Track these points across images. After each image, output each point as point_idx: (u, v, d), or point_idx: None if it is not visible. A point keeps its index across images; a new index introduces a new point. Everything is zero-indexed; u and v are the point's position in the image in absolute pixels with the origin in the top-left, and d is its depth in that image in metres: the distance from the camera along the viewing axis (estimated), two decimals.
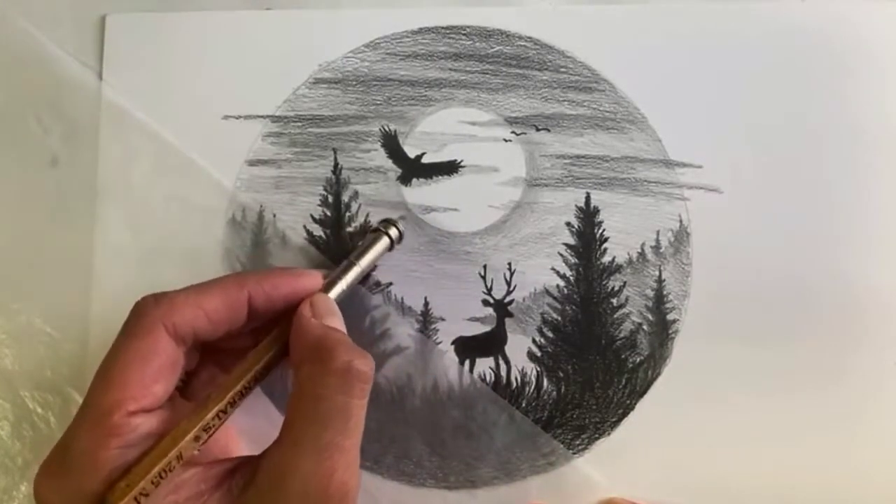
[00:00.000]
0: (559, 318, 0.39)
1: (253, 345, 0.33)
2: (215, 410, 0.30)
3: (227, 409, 0.31)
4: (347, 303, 0.37)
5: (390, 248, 0.38)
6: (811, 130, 0.40)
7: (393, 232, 0.37)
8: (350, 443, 0.29)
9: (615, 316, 0.39)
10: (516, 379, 0.39)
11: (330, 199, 0.41)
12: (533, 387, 0.39)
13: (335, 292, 0.35)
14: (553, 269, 0.40)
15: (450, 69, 0.41)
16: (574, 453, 0.38)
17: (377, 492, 0.38)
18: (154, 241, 0.40)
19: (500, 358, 0.39)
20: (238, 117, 0.41)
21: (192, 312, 0.31)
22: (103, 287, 0.40)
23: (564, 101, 0.41)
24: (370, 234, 0.38)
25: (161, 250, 0.40)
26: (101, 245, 0.41)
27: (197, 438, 0.30)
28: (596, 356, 0.39)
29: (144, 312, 0.31)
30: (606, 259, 0.39)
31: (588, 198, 0.40)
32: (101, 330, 0.40)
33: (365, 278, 0.37)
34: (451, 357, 0.39)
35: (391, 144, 0.41)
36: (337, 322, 0.33)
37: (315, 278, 0.34)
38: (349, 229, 0.40)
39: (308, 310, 0.33)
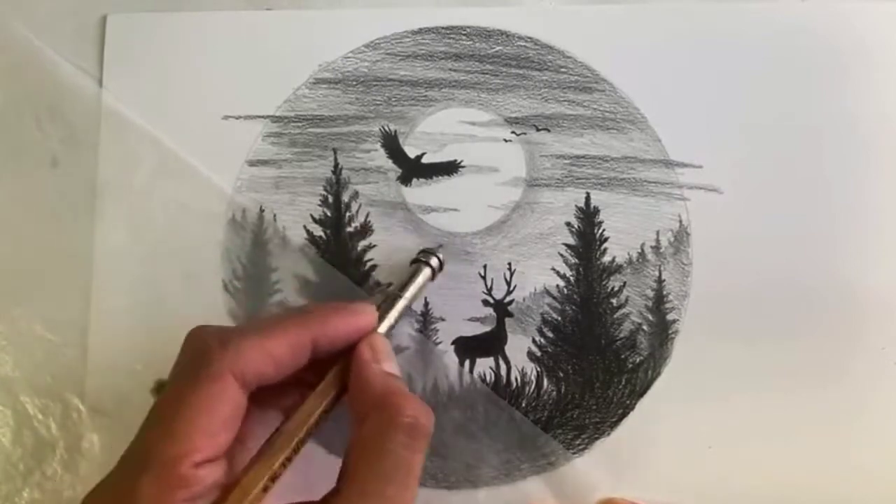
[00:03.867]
0: (559, 319, 0.39)
1: (293, 380, 0.32)
2: (282, 458, 0.30)
3: (292, 456, 0.30)
4: None
5: (432, 277, 0.37)
6: (811, 130, 0.40)
7: (434, 262, 0.37)
8: (410, 495, 0.29)
9: (615, 316, 0.39)
10: (516, 379, 0.39)
11: (330, 199, 0.41)
12: (533, 387, 0.39)
13: (384, 327, 0.34)
14: (553, 269, 0.40)
15: (450, 69, 0.41)
16: (574, 453, 0.38)
17: None
18: (154, 243, 0.40)
19: (500, 358, 0.39)
20: (238, 117, 0.41)
21: (259, 359, 0.30)
22: (103, 291, 0.40)
23: (564, 101, 0.41)
24: (411, 265, 0.37)
25: (161, 252, 0.40)
26: (101, 248, 0.41)
27: (265, 489, 0.29)
28: (596, 356, 0.39)
29: (211, 358, 0.29)
30: (606, 259, 0.40)
31: (588, 198, 0.40)
32: (101, 334, 0.40)
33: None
34: (451, 357, 0.39)
35: (391, 144, 0.41)
36: (394, 366, 0.33)
37: (370, 315, 0.33)
38: (349, 229, 0.40)
39: (368, 353, 0.32)
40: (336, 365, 0.32)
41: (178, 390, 0.29)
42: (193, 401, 0.29)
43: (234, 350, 0.30)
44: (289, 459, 0.30)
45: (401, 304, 0.35)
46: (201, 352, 0.30)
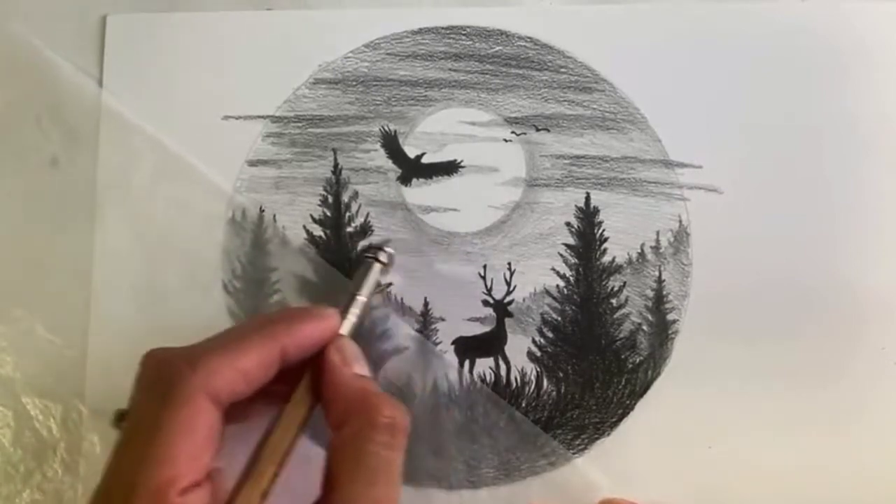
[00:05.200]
0: (559, 319, 0.39)
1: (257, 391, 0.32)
2: (270, 475, 0.30)
3: (279, 470, 0.30)
4: None
5: (385, 272, 0.37)
6: (811, 130, 0.40)
7: (383, 256, 0.37)
8: (396, 494, 0.30)
9: (615, 316, 0.39)
10: (516, 379, 0.39)
11: (330, 199, 0.41)
12: (533, 387, 0.39)
13: (347, 328, 0.34)
14: (553, 269, 0.40)
15: (450, 69, 0.41)
16: (574, 453, 0.38)
17: None
18: (154, 243, 0.40)
19: (499, 358, 0.39)
20: (238, 117, 0.41)
21: (230, 376, 0.29)
22: (103, 291, 0.40)
23: (564, 101, 0.41)
24: (362, 264, 0.37)
25: (161, 252, 0.40)
26: (101, 249, 0.41)
27: None
28: (596, 356, 0.39)
29: (180, 378, 0.28)
30: (606, 259, 0.40)
31: (588, 198, 0.40)
32: (101, 335, 0.40)
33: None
34: (451, 357, 0.39)
35: (391, 144, 0.41)
36: (364, 367, 0.33)
37: (334, 319, 0.33)
38: (349, 229, 0.40)
39: (338, 358, 0.32)
40: (305, 373, 0.32)
41: (150, 415, 0.28)
42: (170, 424, 0.28)
43: (204, 369, 0.29)
44: (276, 475, 0.30)
45: (360, 303, 0.35)
46: (169, 374, 0.29)
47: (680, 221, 0.39)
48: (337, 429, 0.31)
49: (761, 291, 0.39)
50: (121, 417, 0.31)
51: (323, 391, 0.32)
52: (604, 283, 0.39)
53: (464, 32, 0.41)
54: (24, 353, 0.40)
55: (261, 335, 0.31)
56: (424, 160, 0.41)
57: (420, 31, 0.41)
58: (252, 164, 0.41)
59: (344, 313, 0.34)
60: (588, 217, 0.40)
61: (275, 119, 0.41)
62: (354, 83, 0.41)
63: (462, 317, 0.39)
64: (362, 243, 0.40)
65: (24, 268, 0.41)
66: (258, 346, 0.30)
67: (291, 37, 0.42)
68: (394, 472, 0.30)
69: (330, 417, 0.31)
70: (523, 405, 0.39)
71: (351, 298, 0.35)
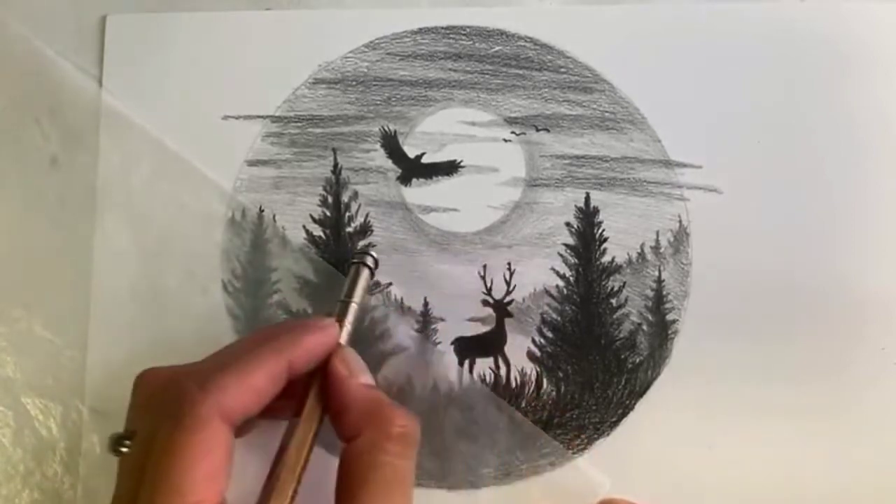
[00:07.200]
0: (559, 319, 0.39)
1: None
2: (292, 491, 0.30)
3: (298, 487, 0.30)
4: None
5: (371, 277, 0.37)
6: (811, 130, 0.40)
7: (370, 261, 0.37)
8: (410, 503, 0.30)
9: (615, 316, 0.39)
10: (516, 379, 0.39)
11: (330, 199, 0.41)
12: (532, 387, 0.39)
13: (345, 337, 0.34)
14: (553, 269, 0.40)
15: (450, 69, 0.41)
16: (574, 453, 0.38)
17: None
18: (154, 243, 0.40)
19: (499, 358, 0.39)
20: (238, 117, 0.41)
21: (242, 395, 0.29)
22: (103, 291, 0.40)
23: (564, 101, 0.41)
24: (350, 269, 0.37)
25: (161, 252, 0.40)
26: (100, 248, 0.41)
27: None
28: (595, 356, 0.39)
29: (192, 400, 0.28)
30: (606, 259, 0.40)
31: (588, 198, 0.40)
32: (101, 335, 0.40)
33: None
34: (450, 357, 0.39)
35: (391, 144, 0.41)
36: (369, 376, 0.33)
37: (334, 328, 0.33)
38: (349, 229, 0.40)
39: (344, 369, 0.32)
40: (311, 386, 0.32)
41: (163, 439, 0.28)
42: (187, 449, 0.27)
43: (216, 389, 0.28)
44: (296, 492, 0.30)
45: (353, 310, 0.35)
46: (179, 395, 0.28)
47: (680, 221, 0.39)
48: (349, 440, 0.31)
49: (761, 291, 0.39)
50: (118, 441, 0.30)
51: (331, 403, 0.32)
52: (603, 283, 0.39)
53: (464, 32, 0.41)
54: (24, 353, 0.40)
55: (268, 350, 0.30)
56: (424, 160, 0.41)
57: (420, 31, 0.41)
58: (251, 163, 0.41)
59: (339, 322, 0.34)
60: (588, 217, 0.40)
61: (274, 119, 0.41)
62: (354, 83, 0.41)
63: (462, 317, 0.39)
64: (361, 243, 0.40)
65: (23, 268, 0.41)
66: (266, 361, 0.30)
67: (291, 37, 0.42)
68: (408, 481, 0.30)
69: (340, 429, 0.31)
70: (523, 405, 0.39)
71: (345, 306, 0.35)
